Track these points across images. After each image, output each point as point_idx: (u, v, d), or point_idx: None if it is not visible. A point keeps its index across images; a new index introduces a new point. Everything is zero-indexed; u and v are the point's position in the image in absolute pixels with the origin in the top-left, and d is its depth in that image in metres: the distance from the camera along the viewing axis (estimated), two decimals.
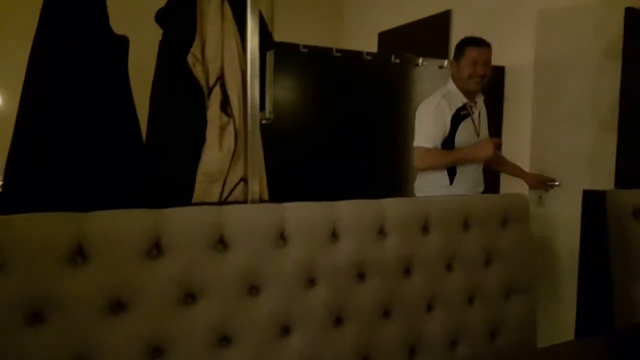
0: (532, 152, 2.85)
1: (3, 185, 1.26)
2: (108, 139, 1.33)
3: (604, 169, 2.46)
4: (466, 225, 1.54)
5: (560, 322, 2.55)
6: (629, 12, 2.10)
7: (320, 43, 2.67)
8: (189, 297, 1.17)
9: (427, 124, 2.39)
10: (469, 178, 2.46)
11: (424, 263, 1.45)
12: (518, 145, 2.98)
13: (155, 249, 1.15)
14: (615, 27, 2.23)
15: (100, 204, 1.15)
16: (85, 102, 1.30)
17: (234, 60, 1.37)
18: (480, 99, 2.50)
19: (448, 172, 2.41)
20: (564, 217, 2.63)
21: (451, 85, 2.44)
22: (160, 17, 1.41)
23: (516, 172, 2.74)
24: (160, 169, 1.36)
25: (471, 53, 2.39)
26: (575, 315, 1.77)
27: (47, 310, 1.04)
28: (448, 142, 2.38)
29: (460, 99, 2.41)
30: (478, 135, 2.45)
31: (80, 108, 1.29)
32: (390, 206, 1.43)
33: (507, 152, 3.03)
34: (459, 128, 2.39)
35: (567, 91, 2.69)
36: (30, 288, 1.03)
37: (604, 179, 2.42)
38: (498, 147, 2.48)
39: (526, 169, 2.80)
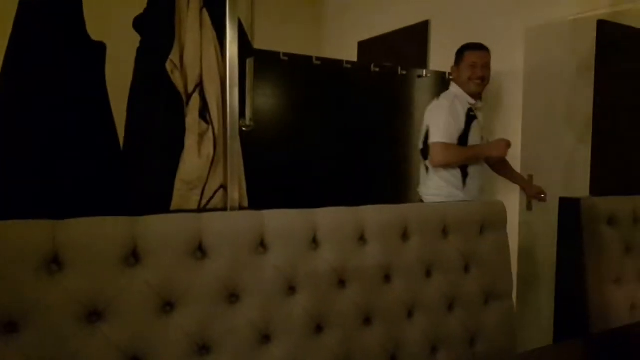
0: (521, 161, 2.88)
1: None
2: (85, 146, 1.31)
3: (582, 177, 2.51)
4: (445, 232, 1.55)
5: (540, 327, 2.59)
6: (601, 25, 2.15)
7: (300, 52, 2.68)
8: (167, 306, 1.16)
9: (444, 121, 2.44)
10: (477, 182, 2.53)
11: (404, 270, 1.46)
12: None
13: (133, 256, 1.13)
14: (590, 41, 2.29)
15: (77, 211, 1.13)
16: (61, 108, 1.28)
17: (213, 67, 1.37)
18: (481, 104, 2.58)
19: (461, 172, 2.48)
20: (549, 223, 2.67)
21: (455, 89, 2.55)
22: (139, 24, 1.40)
23: (517, 180, 2.78)
24: (138, 176, 1.34)
25: (470, 57, 2.52)
26: (553, 321, 1.80)
27: (22, 319, 1.02)
28: (462, 141, 2.47)
29: (468, 101, 2.51)
30: (482, 138, 2.53)
31: (57, 114, 1.27)
32: (370, 213, 1.43)
33: None
34: (471, 127, 2.49)
35: (547, 104, 2.75)
36: (4, 296, 1.01)
37: (581, 188, 2.48)
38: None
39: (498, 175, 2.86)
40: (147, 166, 1.35)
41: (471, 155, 2.48)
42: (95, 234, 1.11)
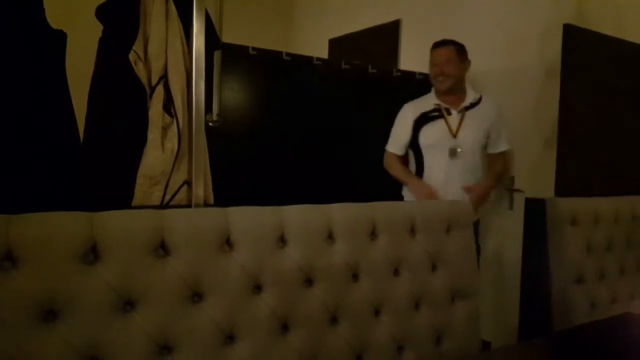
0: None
1: None
2: (43, 138, 1.25)
3: (547, 179, 2.56)
4: (412, 231, 1.55)
5: (505, 326, 2.63)
6: (567, 28, 2.19)
7: (270, 47, 2.64)
8: (127, 305, 1.12)
9: (392, 130, 2.63)
10: (457, 183, 2.48)
11: (372, 268, 1.45)
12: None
13: (92, 253, 1.09)
14: (557, 45, 2.33)
15: (33, 206, 1.08)
16: (19, 99, 1.22)
17: (179, 59, 1.33)
18: (470, 99, 2.54)
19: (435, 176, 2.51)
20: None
21: (433, 89, 2.59)
22: (101, 13, 1.35)
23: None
24: (98, 171, 1.30)
25: (432, 55, 2.56)
26: (518, 319, 1.82)
27: None
28: (412, 144, 2.55)
29: (432, 102, 2.52)
30: (455, 136, 2.48)
31: (14, 104, 1.21)
32: (338, 211, 1.42)
33: None
34: (423, 129, 2.50)
35: (515, 107, 2.79)
36: None
37: (547, 189, 2.52)
38: (467, 190, 2.50)
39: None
40: (108, 160, 1.30)
41: (402, 179, 2.61)
42: (52, 230, 1.06)
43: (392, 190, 2.73)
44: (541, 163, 2.66)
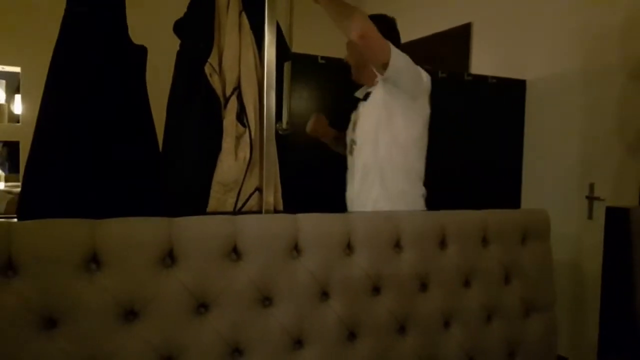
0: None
1: (21, 192, 1.27)
2: (125, 148, 1.33)
3: (630, 187, 2.40)
4: (485, 241, 1.50)
5: (583, 340, 2.49)
6: None
7: (339, 55, 2.66)
8: (202, 307, 1.16)
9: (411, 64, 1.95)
10: (354, 188, 2.02)
11: (441, 278, 1.42)
12: (540, 160, 2.94)
13: (169, 257, 1.14)
14: None
15: (117, 212, 1.15)
16: (103, 112, 1.31)
17: (251, 71, 1.37)
18: (371, 90, 2.01)
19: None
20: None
21: None
22: (179, 28, 1.42)
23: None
24: (176, 178, 1.36)
25: None
26: (598, 334, 1.72)
27: (61, 316, 1.04)
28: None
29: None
30: (354, 130, 2.05)
31: (99, 117, 1.30)
32: (406, 219, 1.41)
33: (528, 165, 3.00)
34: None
35: (595, 111, 2.64)
36: (44, 294, 1.03)
37: (630, 198, 2.37)
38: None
39: (557, 183, 2.75)
40: (184, 168, 1.37)
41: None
42: (133, 234, 1.12)
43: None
44: (624, 170, 2.50)
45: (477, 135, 2.94)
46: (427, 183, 2.78)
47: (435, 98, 2.90)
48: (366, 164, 1.90)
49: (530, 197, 3.00)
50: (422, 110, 1.93)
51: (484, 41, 3.41)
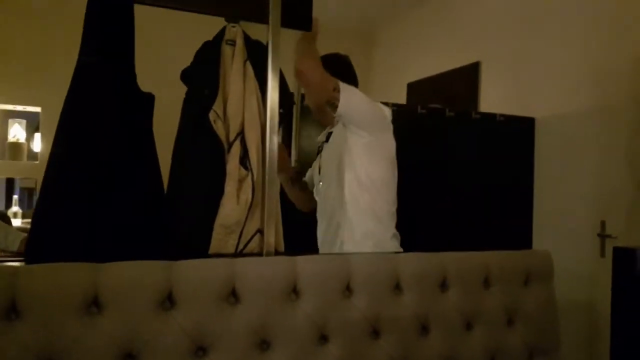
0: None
1: (29, 233, 1.32)
2: (131, 190, 1.37)
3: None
4: (487, 283, 1.50)
5: None
6: None
7: None
8: (200, 350, 1.17)
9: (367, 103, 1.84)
10: (322, 228, 1.98)
11: (442, 321, 1.42)
12: (551, 198, 2.92)
13: (168, 300, 1.16)
14: None
15: (121, 253, 1.19)
16: (112, 154, 1.35)
17: (254, 116, 1.42)
18: (332, 130, 1.98)
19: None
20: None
21: None
22: (185, 76, 1.48)
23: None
24: (180, 220, 1.39)
25: None
26: None
27: (61, 358, 1.06)
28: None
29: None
30: (319, 172, 2.01)
31: (107, 159, 1.34)
32: (407, 260, 1.42)
33: (538, 203, 2.98)
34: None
35: (605, 147, 2.63)
36: (46, 336, 1.06)
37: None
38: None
39: (569, 221, 2.73)
40: (189, 211, 1.40)
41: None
42: (134, 277, 1.15)
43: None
44: (636, 207, 2.47)
45: (486, 174, 2.94)
46: (435, 223, 2.79)
47: (444, 137, 2.94)
48: (332, 205, 1.86)
49: (541, 235, 2.97)
50: (385, 147, 1.85)
51: (493, 79, 3.45)
